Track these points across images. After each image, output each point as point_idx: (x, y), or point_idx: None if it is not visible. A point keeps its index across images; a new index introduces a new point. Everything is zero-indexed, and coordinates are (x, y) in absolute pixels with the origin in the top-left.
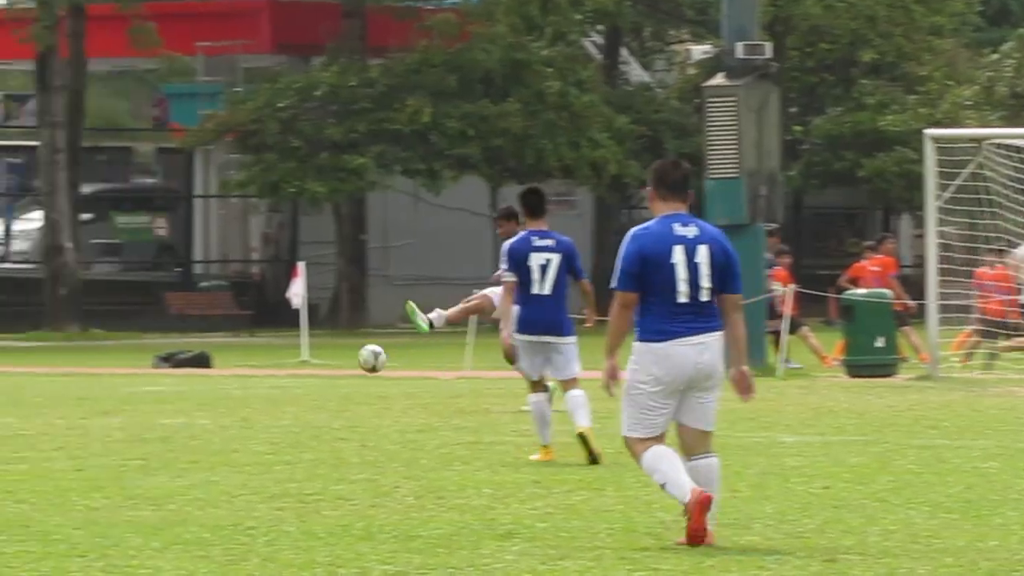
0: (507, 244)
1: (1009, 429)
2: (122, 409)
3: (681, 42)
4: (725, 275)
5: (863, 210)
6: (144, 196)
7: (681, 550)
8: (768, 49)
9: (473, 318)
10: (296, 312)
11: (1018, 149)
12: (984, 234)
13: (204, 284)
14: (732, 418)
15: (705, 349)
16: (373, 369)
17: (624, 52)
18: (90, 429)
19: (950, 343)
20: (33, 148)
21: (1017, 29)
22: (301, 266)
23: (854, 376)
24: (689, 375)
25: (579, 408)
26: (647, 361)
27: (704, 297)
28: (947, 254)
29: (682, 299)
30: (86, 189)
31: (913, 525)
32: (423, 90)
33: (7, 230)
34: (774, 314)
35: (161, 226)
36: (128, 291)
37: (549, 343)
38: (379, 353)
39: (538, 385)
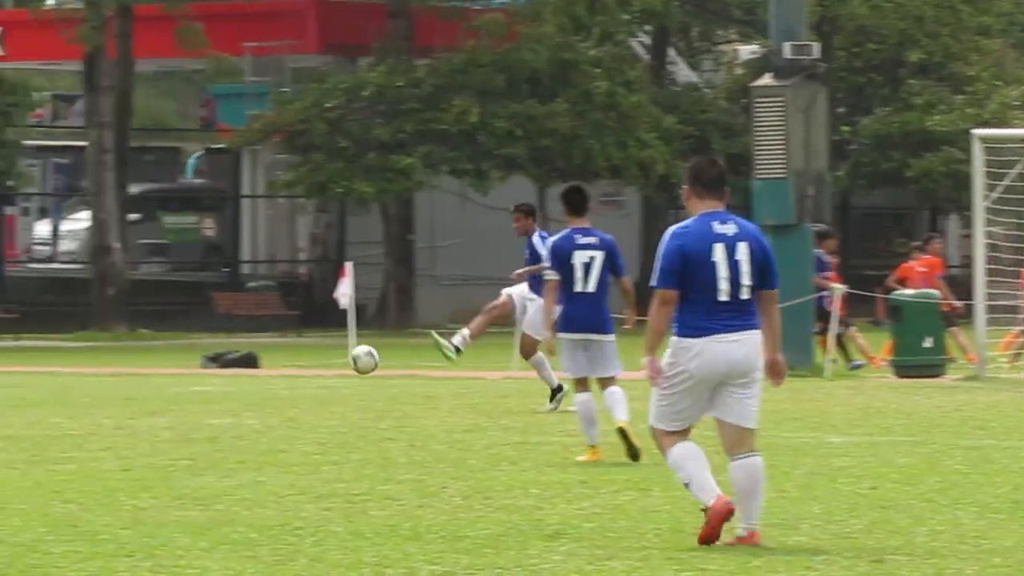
0: (551, 241)
1: None
2: (170, 409)
3: (729, 42)
4: (764, 271)
5: (911, 210)
6: (192, 196)
7: (728, 550)
8: (816, 49)
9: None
10: (344, 312)
11: None
12: None
13: (252, 284)
14: (779, 418)
15: (741, 346)
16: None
17: (672, 52)
18: (138, 429)
19: (998, 343)
20: (81, 148)
21: None
22: (349, 266)
23: (902, 376)
24: (723, 371)
25: (617, 404)
26: (682, 356)
27: (744, 295)
28: (994, 254)
29: (723, 297)
30: (134, 189)
31: (961, 526)
32: (470, 90)
33: (55, 230)
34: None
35: (209, 226)
36: (176, 291)
37: (592, 340)
38: (372, 353)
39: (583, 384)
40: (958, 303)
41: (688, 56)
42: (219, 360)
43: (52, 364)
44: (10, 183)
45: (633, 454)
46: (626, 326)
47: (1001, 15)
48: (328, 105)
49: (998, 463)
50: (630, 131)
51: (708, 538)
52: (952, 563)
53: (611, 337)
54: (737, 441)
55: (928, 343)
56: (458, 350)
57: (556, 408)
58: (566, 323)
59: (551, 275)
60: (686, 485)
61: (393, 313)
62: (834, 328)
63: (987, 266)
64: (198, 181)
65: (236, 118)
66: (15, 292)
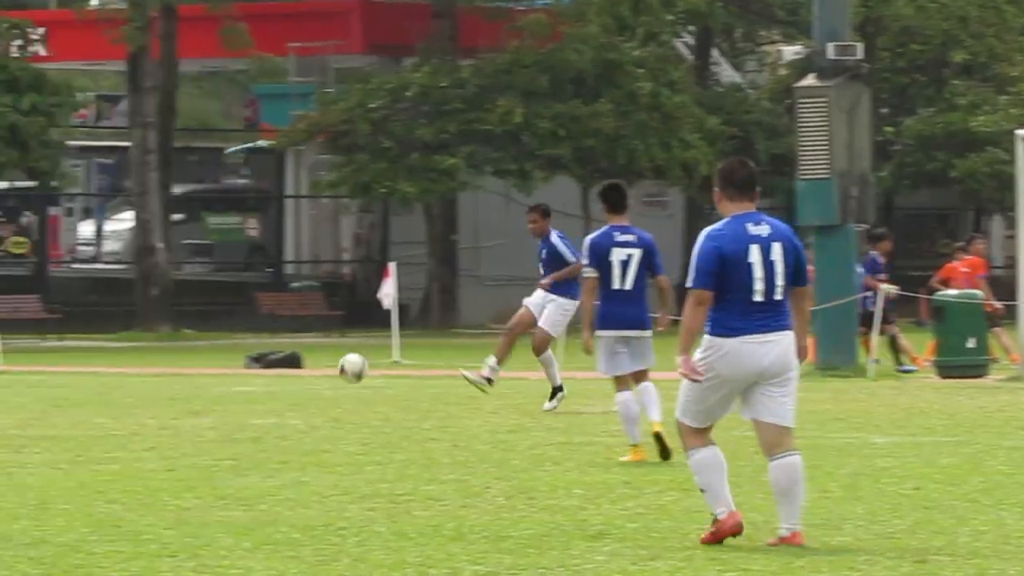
0: (589, 238)
1: None
2: (213, 409)
3: (772, 43)
4: (797, 270)
5: (954, 211)
6: (235, 197)
7: (771, 551)
8: (859, 50)
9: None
10: (387, 312)
11: None
12: None
13: (295, 284)
14: (823, 419)
15: (774, 347)
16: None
17: (715, 53)
18: (181, 429)
19: None
20: (125, 149)
21: None
22: (392, 266)
23: (945, 377)
24: (755, 372)
25: (652, 403)
26: (714, 355)
27: (779, 295)
28: None
29: (758, 297)
30: (177, 190)
31: (1004, 526)
32: (514, 90)
33: (99, 230)
34: (887, 318)
35: (252, 227)
36: (219, 291)
37: (632, 337)
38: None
39: (623, 383)
40: (998, 304)
41: (732, 57)
42: (263, 360)
43: (96, 364)
44: (54, 183)
45: (665, 455)
46: (660, 328)
47: None
48: (372, 105)
49: None
50: (674, 132)
51: (707, 543)
52: (995, 564)
53: (649, 333)
54: (775, 441)
55: (971, 344)
56: (489, 381)
57: (554, 408)
58: (605, 321)
59: (589, 273)
60: (702, 491)
61: (436, 313)
62: (876, 329)
63: None
64: (242, 181)
65: (280, 118)
66: (59, 292)
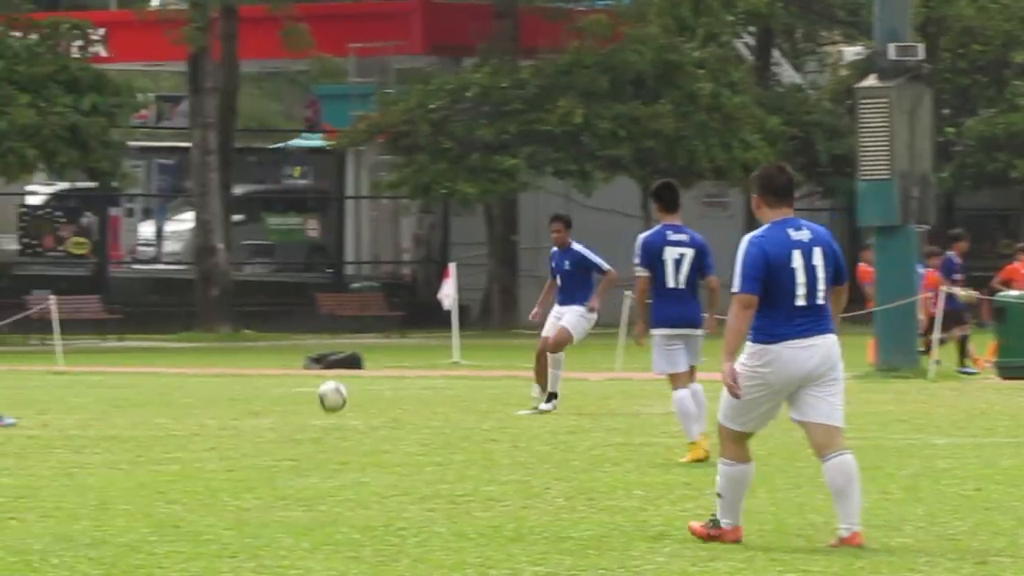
0: (642, 237)
1: None
2: (273, 410)
3: (833, 43)
4: (837, 272)
5: (1015, 211)
6: (296, 197)
7: (832, 552)
8: (920, 50)
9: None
10: (447, 313)
11: None
12: None
13: (355, 285)
14: (885, 420)
15: (817, 351)
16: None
17: (776, 53)
18: (241, 430)
19: None
20: (185, 149)
21: None
22: (452, 267)
23: (1006, 378)
24: (800, 377)
25: (699, 407)
26: (757, 361)
27: (821, 300)
28: None
29: (800, 302)
30: (238, 190)
31: None
32: (574, 91)
33: (159, 231)
34: (960, 319)
35: (313, 227)
36: (280, 292)
37: (689, 335)
38: (340, 390)
39: (680, 380)
40: None
41: (792, 57)
42: (323, 361)
43: (156, 365)
44: (115, 184)
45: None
46: (707, 329)
47: None
48: (432, 106)
49: None
50: (734, 132)
51: (695, 532)
52: None
53: (702, 332)
54: (826, 441)
55: None
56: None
57: (546, 410)
58: (661, 319)
59: (641, 272)
60: (718, 494)
61: (496, 314)
62: (938, 329)
63: None
64: (302, 181)
65: (340, 119)
66: (119, 293)
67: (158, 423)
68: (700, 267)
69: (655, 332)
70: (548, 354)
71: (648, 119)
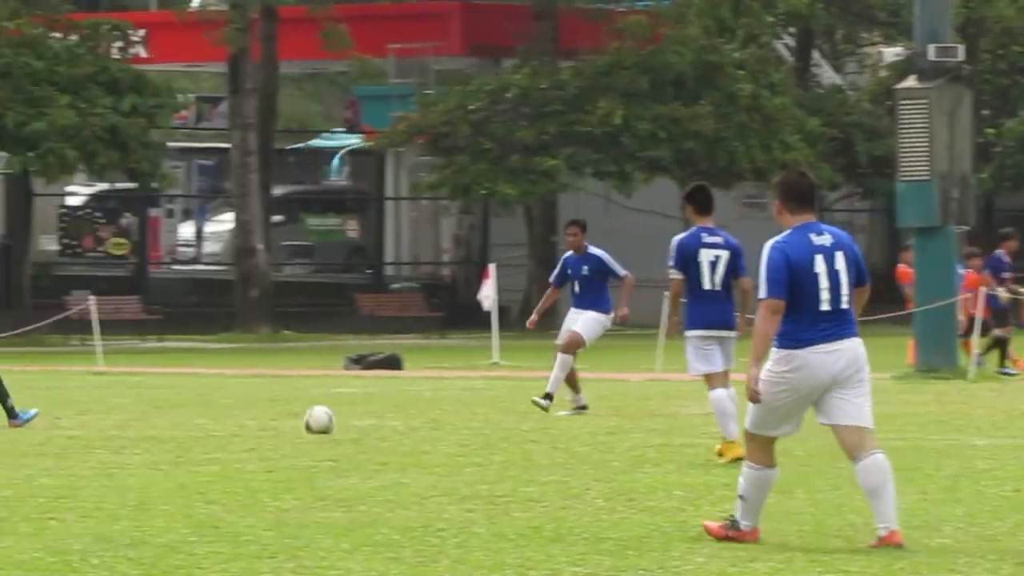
0: (677, 240)
1: None
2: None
3: (873, 44)
4: (858, 274)
5: None
6: (335, 198)
7: (871, 552)
8: (961, 51)
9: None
10: (487, 314)
11: None
12: None
13: (395, 286)
14: (924, 421)
15: (842, 355)
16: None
17: (816, 54)
18: (281, 430)
19: None
20: (225, 150)
21: None
22: (492, 268)
23: None
24: (826, 382)
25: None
26: (784, 366)
27: (844, 304)
28: None
29: (824, 307)
30: (277, 191)
31: None
32: (614, 92)
33: (199, 232)
34: (1004, 320)
35: (352, 228)
36: (319, 293)
37: (724, 337)
38: (330, 416)
39: (719, 380)
40: None
41: (832, 58)
42: (362, 362)
43: (195, 365)
44: (154, 185)
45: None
46: (739, 331)
47: None
48: (472, 107)
49: None
50: (774, 133)
51: (711, 532)
52: None
53: (735, 334)
54: (857, 443)
55: None
56: (548, 397)
57: (543, 407)
58: (698, 320)
59: (675, 275)
60: (741, 496)
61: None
62: (978, 330)
63: None
64: (341, 182)
65: (380, 120)
66: (159, 293)
67: (198, 424)
68: (734, 268)
69: (690, 334)
70: (558, 354)
71: (688, 120)
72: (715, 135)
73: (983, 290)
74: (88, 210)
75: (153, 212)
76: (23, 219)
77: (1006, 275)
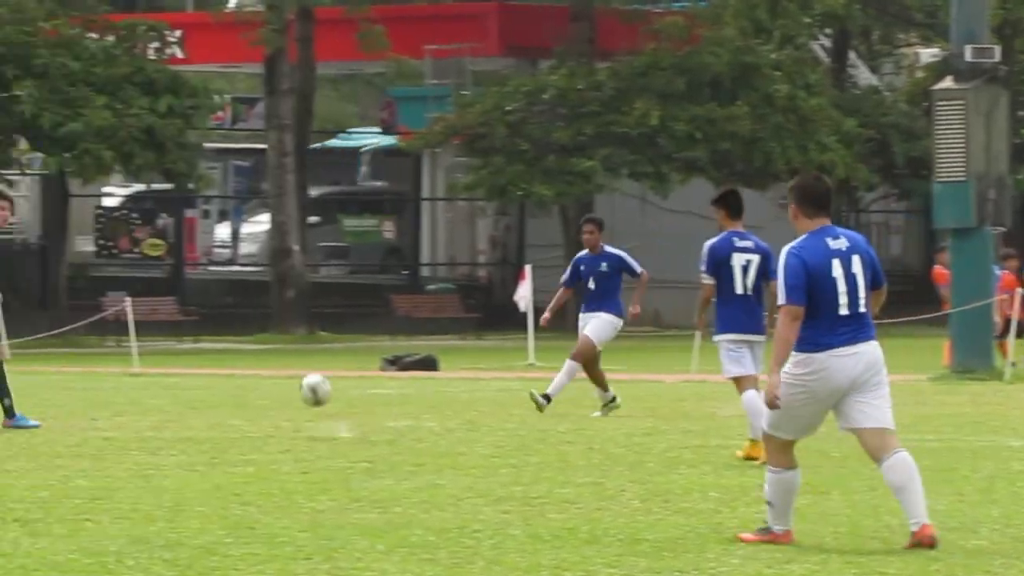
0: (708, 244)
1: None
2: (349, 411)
3: (909, 45)
4: (875, 277)
5: None
6: (372, 199)
7: (907, 554)
8: (997, 52)
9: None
10: (523, 315)
11: None
12: None
13: (431, 287)
14: (959, 422)
15: (861, 358)
16: (317, 403)
17: (852, 55)
18: (316, 432)
19: None
20: (261, 151)
21: None
22: (528, 269)
23: None
24: (845, 386)
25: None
26: (803, 369)
27: (862, 308)
28: None
29: (843, 311)
30: (313, 192)
31: None
32: (651, 93)
33: (235, 233)
34: None
35: (388, 229)
36: (355, 294)
37: (751, 341)
38: (316, 388)
39: (749, 382)
40: None
41: (869, 59)
42: (398, 363)
43: (231, 366)
44: (190, 185)
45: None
46: (767, 334)
47: None
48: (508, 108)
49: None
50: (810, 134)
51: (746, 542)
52: None
53: (764, 338)
54: (880, 444)
55: None
56: (613, 401)
57: (536, 401)
58: (730, 325)
59: (707, 280)
60: (768, 503)
61: (572, 316)
62: (1014, 332)
63: None
64: (378, 183)
65: (416, 121)
66: (195, 294)
67: (233, 425)
68: (764, 272)
69: (721, 338)
70: (568, 360)
71: (724, 121)
72: (751, 136)
73: (1019, 291)
74: (124, 211)
75: (189, 213)
76: (59, 220)
77: None
